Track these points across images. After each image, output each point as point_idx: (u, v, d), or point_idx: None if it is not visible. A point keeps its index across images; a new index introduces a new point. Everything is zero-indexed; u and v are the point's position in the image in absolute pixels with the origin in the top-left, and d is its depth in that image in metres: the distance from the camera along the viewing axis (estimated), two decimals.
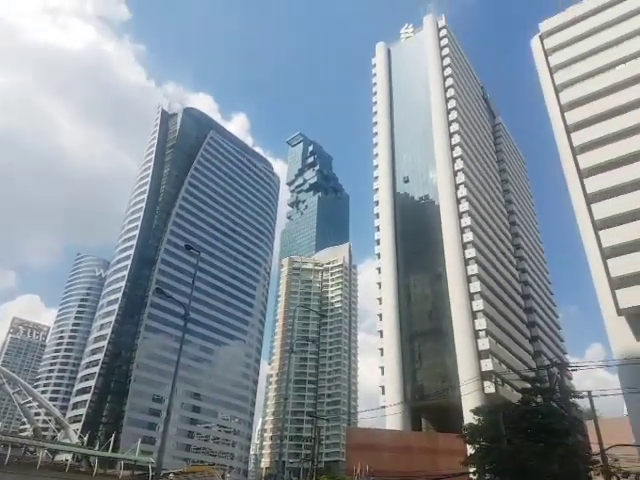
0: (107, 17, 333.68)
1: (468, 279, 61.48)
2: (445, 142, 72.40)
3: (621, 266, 33.79)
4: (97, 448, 65.83)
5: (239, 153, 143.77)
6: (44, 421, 79.28)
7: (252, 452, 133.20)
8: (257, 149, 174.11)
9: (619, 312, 32.24)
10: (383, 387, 62.00)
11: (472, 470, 25.71)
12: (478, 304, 59.52)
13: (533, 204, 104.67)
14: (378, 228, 74.07)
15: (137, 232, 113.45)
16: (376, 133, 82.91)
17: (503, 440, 21.66)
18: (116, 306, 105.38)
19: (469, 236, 64.33)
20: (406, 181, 76.43)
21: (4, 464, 50.04)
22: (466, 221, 65.52)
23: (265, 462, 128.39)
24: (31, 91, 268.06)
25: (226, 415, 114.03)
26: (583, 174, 42.74)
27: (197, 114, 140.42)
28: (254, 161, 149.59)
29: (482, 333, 57.77)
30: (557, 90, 50.15)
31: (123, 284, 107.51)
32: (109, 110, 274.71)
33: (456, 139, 72.04)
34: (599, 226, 38.52)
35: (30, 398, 77.12)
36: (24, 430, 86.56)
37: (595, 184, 40.88)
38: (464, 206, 66.57)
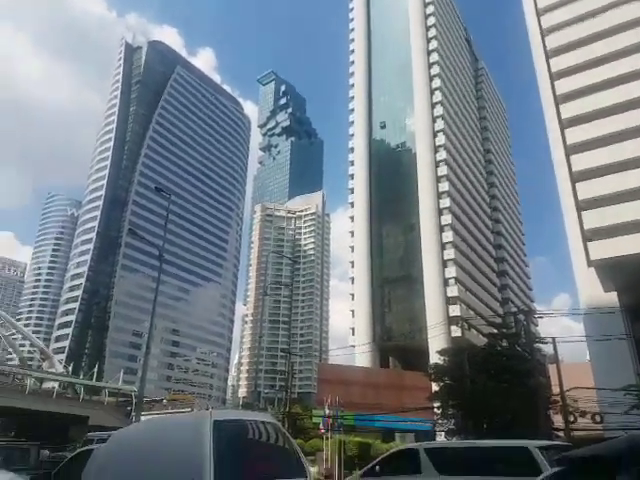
0: None
1: (441, 229, 62.27)
2: (425, 86, 69.86)
3: (595, 219, 34.59)
4: (82, 377, 68.11)
5: (207, 91, 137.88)
6: (29, 352, 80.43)
7: (230, 383, 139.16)
8: (226, 88, 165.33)
9: (589, 264, 33.37)
10: (353, 329, 64.11)
11: (436, 405, 27.34)
12: (449, 253, 60.74)
13: (511, 154, 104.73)
14: (352, 176, 73.13)
15: (106, 172, 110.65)
16: (352, 73, 79.21)
17: (467, 379, 22.91)
18: (90, 245, 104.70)
19: (445, 186, 64.39)
20: (383, 127, 74.58)
21: None
22: (442, 170, 65.25)
23: (242, 392, 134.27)
24: None
25: (204, 350, 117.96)
26: (564, 125, 42.59)
27: (163, 48, 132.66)
28: (223, 100, 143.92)
29: (452, 281, 59.46)
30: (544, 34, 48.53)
31: (96, 224, 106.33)
32: (67, 43, 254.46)
33: (436, 83, 69.69)
34: (577, 179, 38.97)
35: (13, 330, 77.69)
36: (11, 359, 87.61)
37: (575, 135, 40.89)
38: (441, 155, 65.94)
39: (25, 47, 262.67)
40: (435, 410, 27.30)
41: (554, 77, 45.02)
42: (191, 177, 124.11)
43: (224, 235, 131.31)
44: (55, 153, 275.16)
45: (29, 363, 74.85)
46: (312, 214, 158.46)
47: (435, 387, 27.76)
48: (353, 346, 57.73)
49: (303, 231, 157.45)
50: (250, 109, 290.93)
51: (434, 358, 33.66)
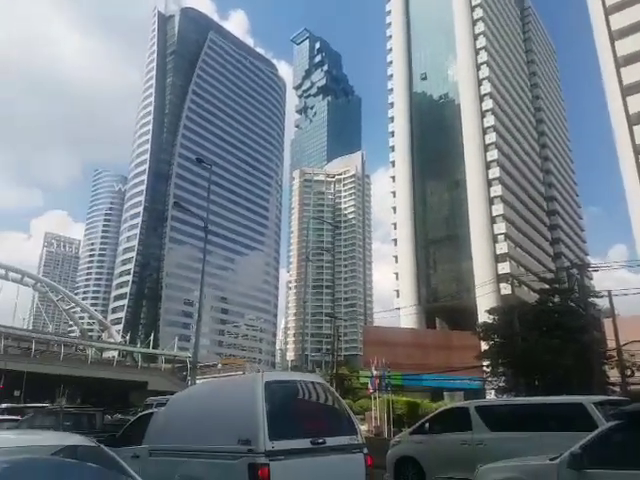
0: None
1: (489, 183, 60.08)
2: (467, 32, 65.97)
3: None
4: (139, 346, 72.56)
5: (241, 56, 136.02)
6: (88, 324, 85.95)
7: (278, 347, 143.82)
8: (259, 50, 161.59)
9: None
10: (398, 291, 63.91)
11: (486, 364, 27.10)
12: (498, 208, 58.75)
13: (562, 99, 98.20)
14: (393, 133, 71.04)
15: (148, 146, 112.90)
16: (389, 24, 75.85)
17: (517, 337, 22.44)
18: (139, 220, 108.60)
19: (492, 137, 61.59)
20: (423, 78, 71.42)
21: (60, 360, 55.62)
22: (489, 121, 62.29)
23: (290, 356, 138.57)
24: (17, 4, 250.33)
25: (252, 316, 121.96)
26: (620, 63, 39.26)
27: (195, 14, 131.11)
28: (258, 64, 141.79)
29: (501, 237, 57.75)
30: None
31: (142, 199, 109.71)
32: (100, 19, 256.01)
33: (480, 27, 65.51)
34: (634, 122, 36.27)
35: (73, 304, 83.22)
36: (72, 332, 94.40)
37: (631, 75, 37.71)
38: (487, 104, 62.80)
39: (60, 27, 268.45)
40: (484, 369, 27.07)
41: (608, 11, 41.34)
42: (229, 146, 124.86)
43: (265, 203, 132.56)
44: (100, 130, 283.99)
45: (89, 334, 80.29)
46: (352, 176, 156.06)
47: (484, 346, 27.40)
48: (398, 308, 57.66)
49: (343, 194, 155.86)
50: (285, 71, 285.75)
51: (483, 317, 33.11)
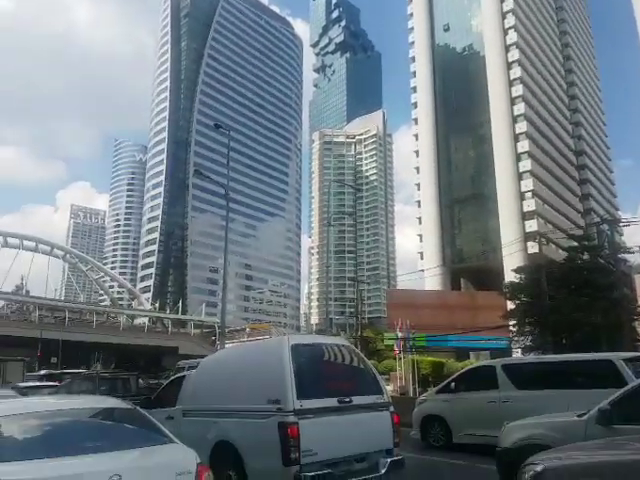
0: None
1: (515, 138, 58.09)
2: None
3: None
4: (168, 312, 75.09)
5: (256, 15, 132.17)
6: (118, 292, 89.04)
7: (302, 312, 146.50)
8: (274, 9, 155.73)
9: None
10: (421, 253, 63.51)
11: (512, 323, 27.05)
12: (525, 164, 57.01)
13: (593, 46, 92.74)
14: (415, 89, 68.72)
15: (166, 114, 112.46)
16: None
17: (545, 296, 22.19)
18: (161, 189, 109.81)
19: (518, 89, 59.03)
20: (446, 30, 68.26)
21: (93, 327, 58.15)
22: (515, 72, 59.56)
23: (314, 320, 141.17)
24: None
25: (275, 282, 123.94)
26: None
27: None
28: (273, 23, 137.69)
29: (528, 194, 56.31)
30: None
31: (163, 168, 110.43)
32: None
33: None
34: None
35: (102, 274, 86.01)
36: (103, 301, 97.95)
37: None
38: (513, 55, 59.88)
39: None
40: (511, 328, 27.04)
41: None
42: (247, 110, 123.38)
43: (284, 168, 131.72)
44: (119, 99, 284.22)
45: (119, 303, 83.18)
46: (373, 136, 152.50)
47: (511, 306, 27.28)
48: (422, 270, 57.45)
49: (364, 156, 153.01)
50: (301, 29, 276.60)
51: (509, 277, 32.81)
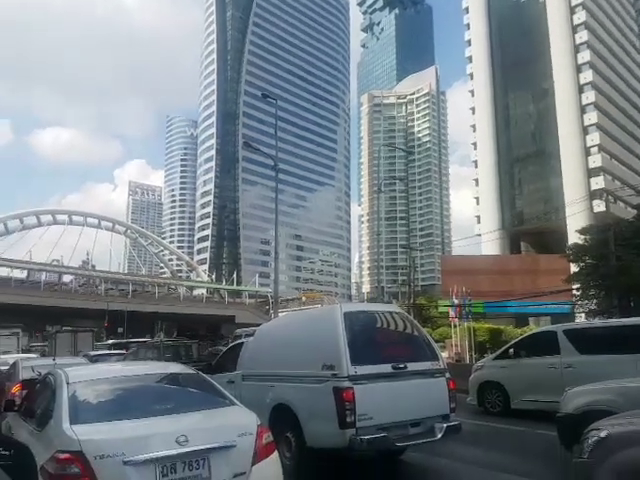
0: None
1: (580, 89, 53.94)
2: None
3: None
4: (224, 283, 78.24)
5: None
6: (177, 265, 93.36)
7: (353, 280, 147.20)
8: None
9: None
10: (478, 216, 61.41)
11: (575, 287, 25.96)
12: (591, 117, 53.03)
13: None
14: (469, 42, 64.97)
15: (214, 87, 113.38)
16: None
17: (612, 257, 21.02)
18: (212, 163, 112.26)
19: (583, 36, 54.36)
20: None
21: (155, 298, 61.67)
22: (580, 17, 54.77)
23: (366, 288, 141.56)
24: None
25: (326, 251, 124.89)
26: None
27: None
28: None
29: (594, 149, 52.62)
30: None
31: (214, 141, 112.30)
32: None
33: None
34: None
35: (161, 248, 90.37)
36: (163, 273, 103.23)
37: None
38: None
39: None
40: (574, 292, 26.00)
41: None
42: (294, 77, 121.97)
43: (333, 135, 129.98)
44: (168, 75, 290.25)
45: (179, 275, 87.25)
46: (425, 95, 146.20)
47: (574, 268, 26.14)
48: (479, 235, 55.65)
49: (416, 116, 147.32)
50: None
51: (573, 238, 31.24)
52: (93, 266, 77.22)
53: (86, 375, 3.99)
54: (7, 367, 7.84)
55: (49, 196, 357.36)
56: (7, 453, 1.75)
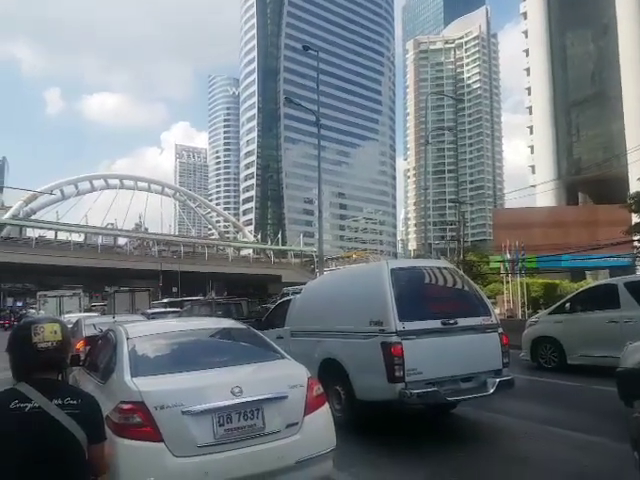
0: None
1: None
2: None
3: None
4: (269, 243, 79.81)
5: None
6: (224, 226, 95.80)
7: (399, 238, 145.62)
8: None
9: None
10: (533, 166, 58.48)
11: (636, 238, 24.64)
12: None
13: None
14: None
15: (255, 43, 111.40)
16: None
17: None
18: (254, 122, 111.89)
19: None
20: None
21: (205, 259, 63.92)
22: None
23: (412, 245, 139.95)
24: None
25: (370, 209, 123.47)
26: None
27: None
28: None
29: None
30: None
31: (255, 99, 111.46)
32: None
33: None
34: None
35: (208, 209, 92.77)
36: (211, 234, 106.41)
37: None
38: None
39: None
40: (635, 244, 24.62)
41: None
42: (335, 26, 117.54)
43: (377, 85, 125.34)
44: (210, 36, 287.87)
45: (226, 236, 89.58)
46: (474, 38, 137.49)
47: (635, 219, 24.64)
48: (533, 186, 53.12)
49: (465, 62, 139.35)
50: None
51: (635, 187, 29.14)
52: (146, 229, 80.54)
53: (145, 330, 4.14)
54: (71, 325, 8.44)
55: (99, 161, 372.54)
56: (75, 402, 1.82)
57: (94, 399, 1.94)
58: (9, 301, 59.49)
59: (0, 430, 1.68)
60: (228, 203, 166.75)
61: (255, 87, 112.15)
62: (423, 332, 5.04)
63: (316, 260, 50.78)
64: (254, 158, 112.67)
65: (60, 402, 1.76)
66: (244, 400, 3.03)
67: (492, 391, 5.16)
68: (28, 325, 1.88)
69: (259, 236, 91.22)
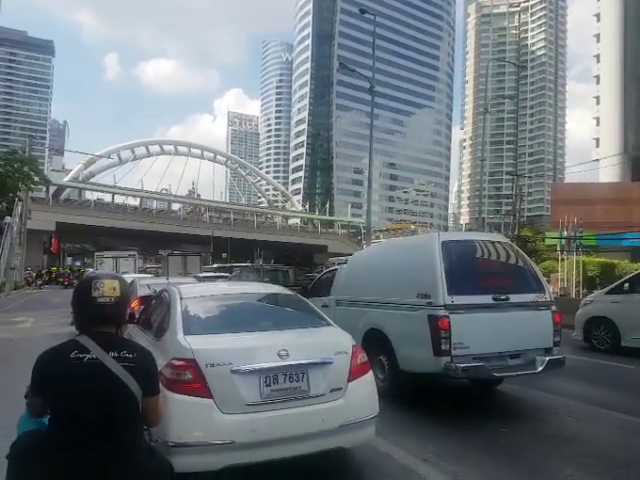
0: None
1: None
2: None
3: None
4: (317, 213, 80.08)
5: None
6: (273, 195, 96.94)
7: (450, 211, 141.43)
8: None
9: None
10: (597, 139, 54.63)
11: None
12: None
13: None
14: None
15: (310, 6, 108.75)
16: None
17: None
18: (307, 89, 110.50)
19: None
20: None
21: (254, 227, 65.22)
22: None
23: (464, 219, 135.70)
24: None
25: (422, 180, 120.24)
26: None
27: None
28: None
29: None
30: None
31: (308, 65, 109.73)
32: None
33: None
34: None
35: (259, 178, 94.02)
36: (261, 203, 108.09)
37: None
38: None
39: None
40: None
41: None
42: None
43: (435, 51, 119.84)
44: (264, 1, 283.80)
45: (275, 204, 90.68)
46: (541, 1, 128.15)
47: None
48: (597, 160, 49.79)
49: (530, 27, 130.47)
50: None
51: None
52: (198, 195, 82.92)
53: (197, 292, 4.29)
54: None
55: (155, 128, 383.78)
56: (131, 356, 1.93)
57: (150, 353, 2.04)
58: (68, 260, 63.10)
59: (60, 377, 1.82)
60: (278, 172, 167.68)
61: (309, 53, 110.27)
62: (472, 307, 4.93)
63: (363, 232, 50.50)
64: (305, 126, 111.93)
65: (116, 354, 1.87)
66: (290, 363, 3.10)
67: (540, 369, 5.03)
68: (89, 280, 1.99)
69: (307, 206, 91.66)
